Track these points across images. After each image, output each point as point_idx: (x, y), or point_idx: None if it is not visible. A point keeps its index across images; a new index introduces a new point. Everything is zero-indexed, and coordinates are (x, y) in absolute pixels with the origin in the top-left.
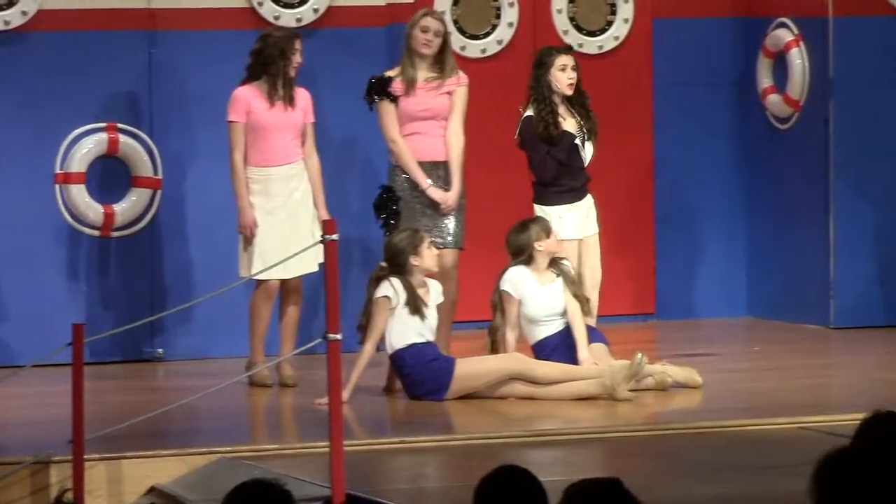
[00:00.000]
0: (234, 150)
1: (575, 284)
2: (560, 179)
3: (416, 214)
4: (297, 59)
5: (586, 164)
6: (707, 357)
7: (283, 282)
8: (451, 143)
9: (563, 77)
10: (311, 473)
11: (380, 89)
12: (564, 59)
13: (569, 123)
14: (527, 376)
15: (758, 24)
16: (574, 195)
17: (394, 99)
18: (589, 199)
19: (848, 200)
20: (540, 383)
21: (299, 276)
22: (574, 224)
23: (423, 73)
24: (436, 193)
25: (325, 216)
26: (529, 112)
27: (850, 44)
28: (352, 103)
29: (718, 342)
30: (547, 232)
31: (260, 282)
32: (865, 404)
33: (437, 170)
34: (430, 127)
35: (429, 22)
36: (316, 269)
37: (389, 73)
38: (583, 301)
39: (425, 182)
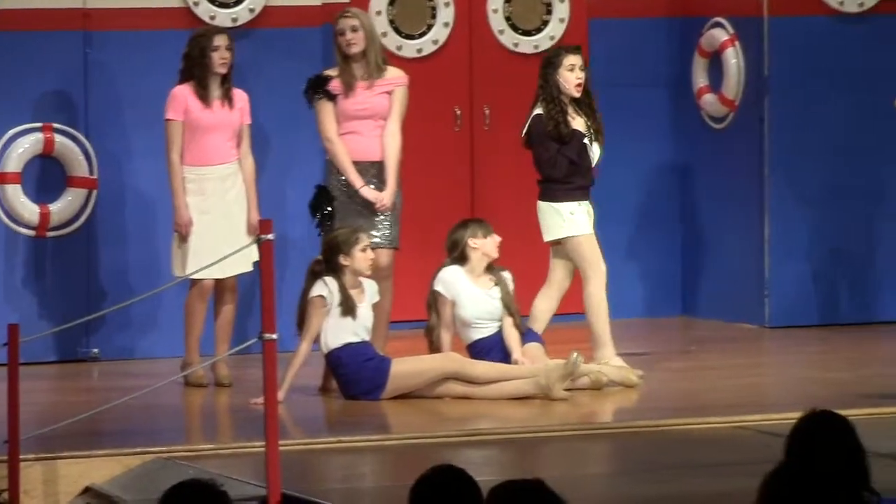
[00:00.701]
0: (171, 149)
1: (510, 297)
2: (570, 177)
3: (352, 214)
4: (220, 55)
5: (594, 164)
6: (642, 356)
7: (218, 281)
8: (387, 143)
9: (571, 77)
10: (246, 473)
11: (319, 88)
12: (573, 59)
13: (577, 123)
14: (463, 376)
15: (693, 24)
16: (582, 193)
17: (332, 98)
18: (589, 200)
19: (783, 200)
20: (476, 383)
21: (234, 276)
22: (585, 220)
23: (359, 73)
24: (369, 194)
25: (256, 218)
26: (539, 110)
27: (785, 43)
28: (288, 103)
29: (654, 341)
30: (485, 233)
31: (194, 281)
32: (800, 403)
33: (374, 169)
34: (368, 126)
35: (341, 24)
36: (250, 268)
37: (328, 73)
38: (515, 315)
39: (360, 182)
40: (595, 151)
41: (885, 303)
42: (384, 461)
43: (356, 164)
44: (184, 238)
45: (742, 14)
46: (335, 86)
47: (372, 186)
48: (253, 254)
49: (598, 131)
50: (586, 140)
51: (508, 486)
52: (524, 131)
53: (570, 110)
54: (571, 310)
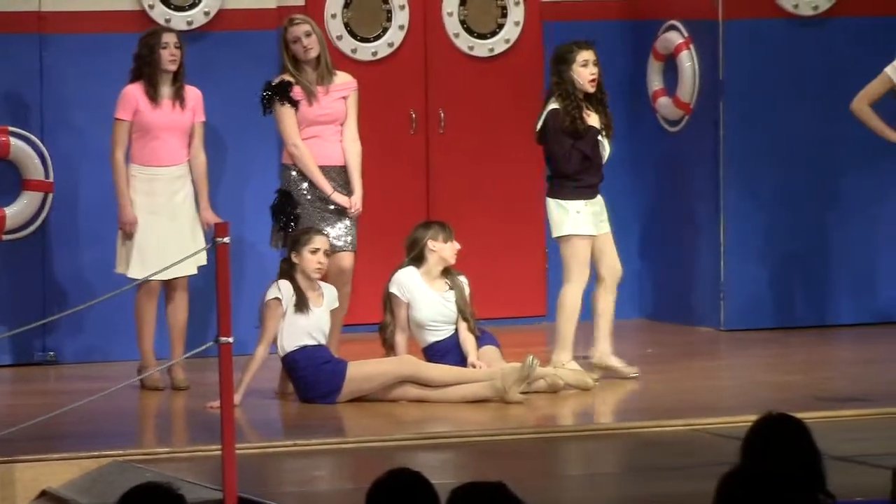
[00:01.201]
0: (116, 148)
1: (465, 302)
2: (581, 174)
3: (315, 219)
4: (170, 52)
5: (604, 161)
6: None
7: (167, 282)
8: (348, 148)
9: (585, 73)
10: (203, 477)
11: (281, 94)
12: (586, 55)
13: (592, 119)
14: (419, 379)
15: (648, 27)
16: (591, 191)
17: (294, 104)
18: (601, 198)
19: (738, 202)
20: (432, 386)
21: (185, 277)
22: (589, 220)
23: (313, 78)
24: (341, 199)
25: (210, 215)
26: (554, 105)
27: (739, 46)
28: (243, 106)
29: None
30: (446, 238)
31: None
32: (756, 406)
33: (334, 173)
34: (328, 131)
35: (294, 31)
36: (195, 271)
37: (287, 78)
38: (470, 319)
39: (329, 188)
40: (606, 148)
41: (839, 306)
42: (340, 465)
43: (320, 168)
44: (128, 236)
45: (697, 17)
46: (296, 92)
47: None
48: (200, 258)
49: (609, 127)
50: (600, 136)
51: (470, 489)
52: (538, 126)
53: (584, 106)
54: (523, 313)
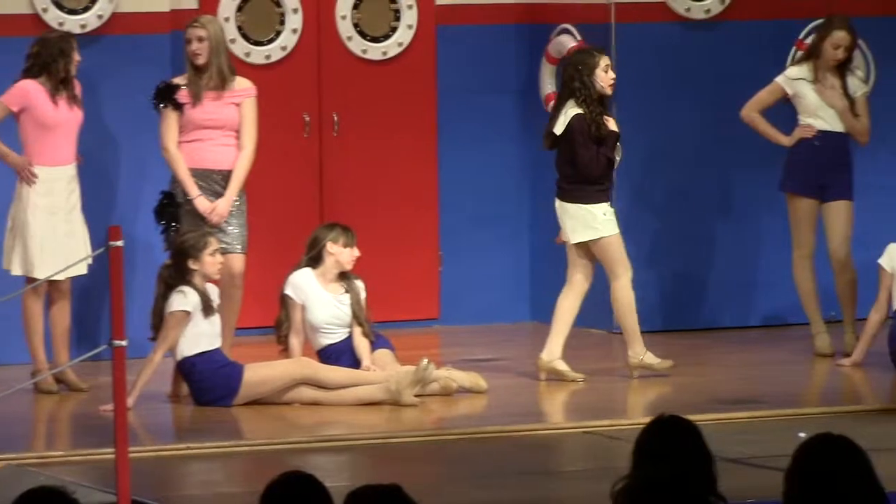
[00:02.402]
0: None
1: (360, 306)
2: (602, 178)
3: (198, 221)
4: (76, 57)
5: (616, 165)
6: (492, 362)
7: (53, 284)
8: (239, 156)
9: (607, 78)
10: (96, 480)
11: (166, 96)
12: (606, 60)
13: (610, 123)
14: (315, 381)
15: (541, 31)
16: (609, 194)
17: (179, 107)
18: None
19: (631, 205)
20: (327, 388)
21: (68, 279)
22: (614, 221)
23: (207, 82)
24: (202, 204)
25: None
26: (578, 110)
27: (632, 50)
28: (136, 109)
29: (503, 347)
30: (347, 242)
31: (31, 281)
32: (648, 409)
33: (219, 177)
34: (215, 136)
35: (188, 33)
36: (84, 271)
37: (178, 81)
38: (364, 323)
39: (194, 192)
40: (619, 151)
41: (729, 308)
42: (234, 468)
43: (201, 171)
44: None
45: (589, 21)
46: (183, 95)
47: (212, 198)
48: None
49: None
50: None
51: (366, 491)
52: (559, 130)
53: (602, 111)
54: (416, 316)
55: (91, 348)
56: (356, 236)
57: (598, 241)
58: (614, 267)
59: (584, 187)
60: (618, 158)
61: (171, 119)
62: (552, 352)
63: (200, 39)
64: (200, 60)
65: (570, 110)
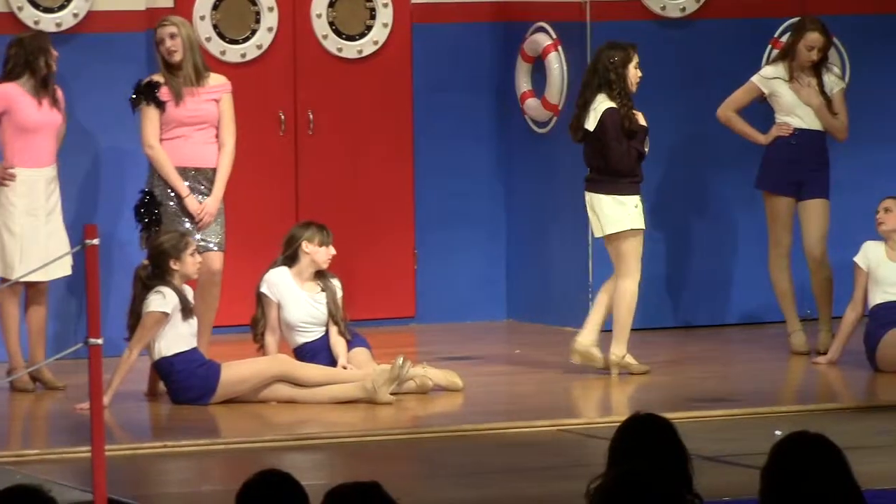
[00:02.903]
0: None
1: (336, 305)
2: (635, 171)
3: (178, 220)
4: (54, 52)
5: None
6: (468, 360)
7: (31, 285)
8: (221, 153)
9: (636, 75)
10: (73, 478)
11: (148, 94)
12: (637, 57)
13: (640, 117)
14: (292, 378)
15: (516, 29)
16: (639, 188)
17: (161, 104)
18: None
19: None
20: (304, 385)
21: (46, 281)
22: (642, 216)
23: (184, 79)
24: (192, 204)
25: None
26: (611, 104)
27: None
28: (113, 107)
29: (479, 345)
30: (322, 241)
31: (5, 281)
32: (624, 407)
33: (200, 175)
34: (197, 133)
35: (160, 32)
36: (69, 272)
37: (157, 78)
38: (340, 323)
39: (185, 191)
40: (647, 145)
41: (703, 306)
42: (211, 466)
43: (183, 169)
44: (10, 177)
45: (564, 19)
46: (164, 92)
47: (201, 197)
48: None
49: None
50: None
51: (345, 489)
52: (591, 126)
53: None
54: (392, 314)
55: (68, 347)
56: (332, 235)
57: (622, 234)
58: (630, 263)
59: (619, 179)
60: (646, 150)
61: (152, 117)
62: (615, 348)
63: (173, 36)
64: (176, 57)
65: (601, 105)
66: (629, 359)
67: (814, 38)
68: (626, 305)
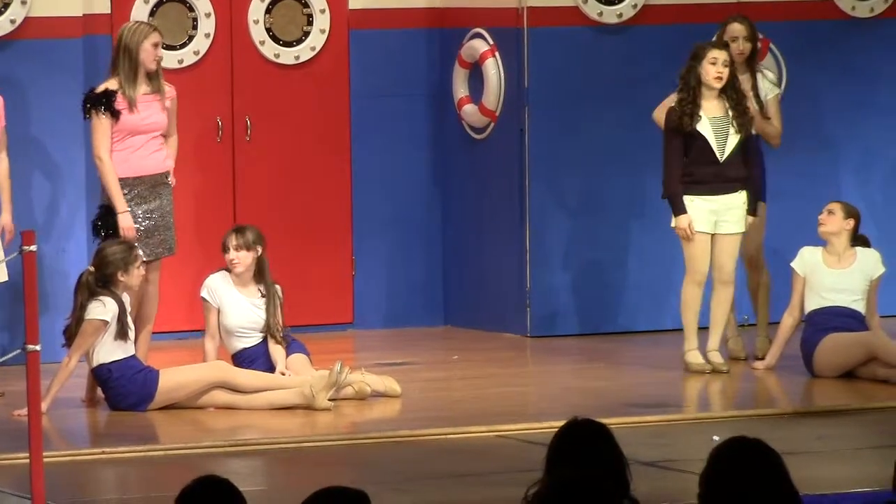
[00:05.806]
0: None
1: (275, 310)
2: (690, 169)
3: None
4: None
5: (725, 156)
6: (406, 366)
7: None
8: (170, 154)
9: (712, 70)
10: (11, 485)
11: (103, 103)
12: (716, 53)
13: (713, 108)
14: (230, 384)
15: (453, 35)
16: (704, 188)
17: (116, 114)
18: (733, 198)
19: (543, 210)
20: (242, 391)
21: None
22: (702, 217)
23: (147, 87)
24: (125, 221)
25: (9, 221)
26: (673, 102)
27: (544, 54)
28: (50, 114)
29: (417, 351)
30: (227, 245)
31: None
32: (561, 412)
33: (155, 181)
34: (151, 141)
35: (152, 38)
36: (6, 277)
37: (111, 86)
38: (276, 333)
39: (122, 205)
40: (730, 144)
41: (642, 312)
42: (150, 472)
43: (140, 178)
44: None
45: (501, 25)
46: (119, 101)
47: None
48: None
49: (743, 126)
50: (711, 136)
51: (333, 492)
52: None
53: (710, 104)
54: (330, 320)
55: (4, 353)
56: (246, 237)
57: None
58: (685, 262)
59: (684, 178)
60: (727, 151)
61: (105, 126)
62: (709, 345)
63: (156, 45)
64: (158, 66)
65: (668, 100)
66: (696, 354)
67: (735, 27)
68: (681, 306)
